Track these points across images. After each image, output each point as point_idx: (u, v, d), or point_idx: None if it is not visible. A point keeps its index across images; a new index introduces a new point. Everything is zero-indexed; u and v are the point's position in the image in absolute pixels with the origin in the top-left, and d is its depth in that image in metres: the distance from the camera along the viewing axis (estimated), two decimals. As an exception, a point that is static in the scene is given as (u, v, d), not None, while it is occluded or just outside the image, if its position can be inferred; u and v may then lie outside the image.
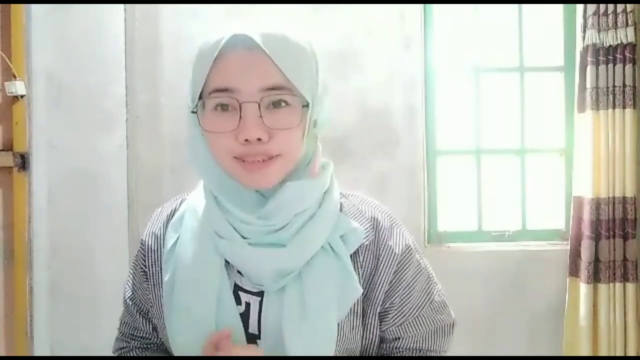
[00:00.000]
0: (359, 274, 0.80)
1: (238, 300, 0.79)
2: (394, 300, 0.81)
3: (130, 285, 0.91)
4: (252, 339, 0.78)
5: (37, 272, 2.23)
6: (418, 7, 2.42)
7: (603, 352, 2.31)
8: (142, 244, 0.89)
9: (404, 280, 0.82)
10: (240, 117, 0.71)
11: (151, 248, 0.87)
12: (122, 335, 0.95)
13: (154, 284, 0.86)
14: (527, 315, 2.42)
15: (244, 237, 0.76)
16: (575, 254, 2.37)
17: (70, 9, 2.24)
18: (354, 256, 0.80)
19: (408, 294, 0.82)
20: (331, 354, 0.77)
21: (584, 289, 2.32)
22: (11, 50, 2.18)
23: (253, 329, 0.78)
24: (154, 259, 0.86)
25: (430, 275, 0.87)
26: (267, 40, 0.71)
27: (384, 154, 2.39)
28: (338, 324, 0.77)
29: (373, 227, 0.82)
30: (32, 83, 2.23)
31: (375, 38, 2.40)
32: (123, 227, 2.27)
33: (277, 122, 0.72)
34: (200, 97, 0.74)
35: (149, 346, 0.93)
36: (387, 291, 0.81)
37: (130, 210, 2.28)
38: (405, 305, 0.82)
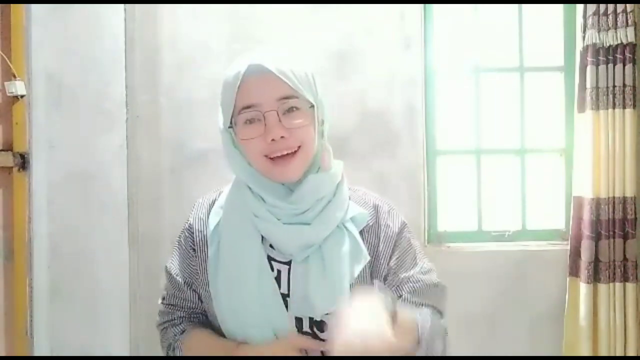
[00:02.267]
0: (365, 246, 1.01)
1: (271, 268, 0.99)
2: (392, 265, 1.02)
3: (176, 263, 1.10)
4: (283, 297, 0.98)
5: (37, 272, 2.22)
6: (418, 7, 2.42)
7: (603, 352, 2.31)
8: (189, 226, 1.08)
9: (399, 250, 1.02)
10: (265, 124, 0.94)
11: (199, 229, 1.07)
12: (168, 306, 1.12)
13: (201, 259, 1.05)
14: (527, 315, 2.41)
15: (277, 219, 0.98)
16: (575, 254, 2.37)
17: (70, 9, 2.24)
18: (361, 233, 1.01)
19: (402, 260, 1.02)
20: (344, 305, 0.90)
21: (584, 288, 2.32)
22: (11, 50, 2.18)
23: (284, 289, 0.98)
24: (201, 238, 1.06)
25: (419, 251, 1.07)
26: (275, 64, 0.94)
27: (384, 154, 2.39)
28: (350, 284, 0.97)
29: (375, 211, 1.04)
30: (32, 83, 2.23)
31: (375, 38, 2.40)
32: (123, 226, 2.27)
33: (293, 122, 0.94)
34: (231, 119, 0.96)
35: (192, 315, 1.11)
36: (388, 259, 1.01)
37: (130, 210, 2.28)
38: (400, 268, 1.02)
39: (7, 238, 2.21)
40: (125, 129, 2.27)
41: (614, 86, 2.32)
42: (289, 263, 0.99)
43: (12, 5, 2.18)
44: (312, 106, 0.97)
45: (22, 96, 2.20)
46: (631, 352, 2.32)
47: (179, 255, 1.10)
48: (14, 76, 2.19)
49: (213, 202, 1.10)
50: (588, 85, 2.33)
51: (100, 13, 2.25)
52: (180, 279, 1.09)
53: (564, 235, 2.48)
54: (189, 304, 1.10)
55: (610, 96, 2.32)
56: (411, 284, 1.01)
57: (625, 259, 2.33)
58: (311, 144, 0.97)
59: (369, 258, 1.00)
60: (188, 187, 2.34)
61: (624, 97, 2.32)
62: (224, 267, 1.01)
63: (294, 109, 0.95)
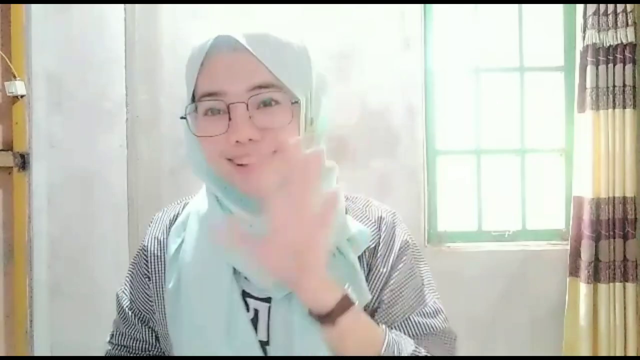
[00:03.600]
0: (365, 276, 0.78)
1: (246, 307, 0.77)
2: (384, 297, 0.78)
3: (127, 293, 0.88)
4: (261, 345, 0.76)
5: (37, 272, 2.22)
6: (418, 7, 2.42)
7: (603, 352, 2.31)
8: (144, 249, 0.86)
9: (396, 278, 0.78)
10: (230, 119, 0.70)
11: (154, 253, 0.85)
12: (115, 347, 0.91)
13: (156, 291, 0.84)
14: (527, 315, 2.41)
15: None
16: (575, 254, 2.36)
17: (70, 9, 2.24)
18: (361, 258, 0.78)
19: (398, 293, 0.78)
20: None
21: (584, 288, 2.32)
22: (11, 50, 2.18)
23: (262, 335, 0.76)
24: (157, 264, 0.84)
25: (427, 282, 0.82)
26: (251, 40, 0.70)
27: (384, 154, 2.39)
28: None
29: (378, 229, 0.80)
30: (32, 83, 2.23)
31: (375, 38, 2.40)
32: (123, 227, 2.27)
33: (268, 121, 0.70)
34: (193, 102, 0.74)
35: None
36: (379, 290, 0.78)
37: (130, 210, 2.28)
38: (395, 304, 0.78)
39: (7, 238, 2.21)
40: (125, 129, 2.27)
41: (614, 86, 2.32)
42: (268, 300, 0.76)
43: (12, 5, 2.18)
44: (297, 102, 0.72)
45: (22, 96, 2.20)
46: (631, 352, 2.32)
47: (131, 283, 0.88)
48: (14, 76, 2.19)
49: (175, 218, 0.86)
50: (588, 85, 2.33)
51: (100, 13, 2.25)
52: (131, 313, 0.87)
53: (564, 235, 2.48)
54: (141, 345, 0.89)
55: (610, 96, 2.32)
56: (405, 329, 0.77)
57: (625, 259, 2.33)
58: (293, 149, 0.72)
59: (370, 296, 0.76)
60: (188, 187, 2.32)
61: (624, 97, 2.31)
62: (185, 309, 0.78)
63: (272, 102, 0.71)
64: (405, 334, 0.77)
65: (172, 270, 0.80)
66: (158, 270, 0.84)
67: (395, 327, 0.78)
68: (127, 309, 0.88)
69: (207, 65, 0.71)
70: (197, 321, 0.76)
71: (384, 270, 0.78)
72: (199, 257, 0.78)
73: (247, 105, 0.70)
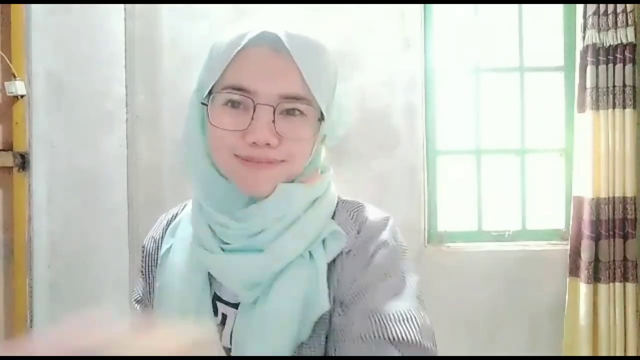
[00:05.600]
0: (334, 285, 0.71)
1: (216, 312, 0.75)
2: (345, 298, 0.69)
3: (136, 288, 0.90)
4: (226, 352, 0.73)
5: (37, 272, 2.23)
6: (418, 7, 2.42)
7: (603, 352, 2.31)
8: (142, 248, 0.88)
9: (363, 277, 0.69)
10: (253, 118, 0.67)
11: (149, 252, 0.86)
12: None
13: (149, 289, 0.85)
14: (527, 315, 2.41)
15: (226, 243, 0.72)
16: (575, 254, 2.36)
17: (70, 9, 2.24)
18: (337, 260, 0.72)
19: (360, 295, 0.68)
20: None
21: (584, 288, 2.32)
22: (11, 50, 2.18)
23: (225, 342, 0.73)
24: (151, 263, 0.85)
25: (408, 290, 0.69)
26: (295, 44, 0.67)
27: (384, 154, 2.38)
28: (301, 342, 0.69)
29: (358, 232, 0.73)
30: (32, 83, 2.23)
31: (375, 38, 2.40)
32: (123, 226, 2.27)
33: (289, 130, 0.68)
34: (210, 92, 0.70)
35: None
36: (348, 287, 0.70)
37: (130, 209, 2.28)
38: (354, 305, 0.68)
39: (7, 238, 2.21)
40: (125, 128, 2.27)
41: (614, 86, 2.31)
42: (237, 306, 0.73)
43: (12, 5, 2.18)
44: (321, 118, 0.70)
45: (22, 96, 2.20)
46: (631, 352, 2.32)
47: (138, 280, 0.90)
48: (14, 76, 2.19)
49: (172, 219, 0.87)
50: (588, 85, 2.33)
51: (100, 13, 2.25)
52: (137, 306, 0.89)
53: (564, 235, 2.48)
54: None
55: (610, 96, 2.32)
56: (361, 330, 0.65)
57: (625, 258, 2.33)
58: (301, 161, 0.72)
59: (327, 307, 0.69)
60: (188, 187, 2.33)
61: (624, 97, 2.31)
62: (165, 307, 0.77)
63: (298, 113, 0.69)
64: (357, 337, 0.65)
65: (162, 270, 0.80)
66: (151, 269, 0.85)
67: (348, 330, 0.67)
68: (134, 301, 0.90)
69: (243, 58, 0.68)
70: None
71: (356, 273, 0.70)
72: (180, 261, 0.77)
73: (275, 110, 0.67)
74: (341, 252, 0.72)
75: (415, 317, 0.65)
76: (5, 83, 2.18)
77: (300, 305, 0.68)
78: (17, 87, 2.18)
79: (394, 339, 0.63)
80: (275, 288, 0.69)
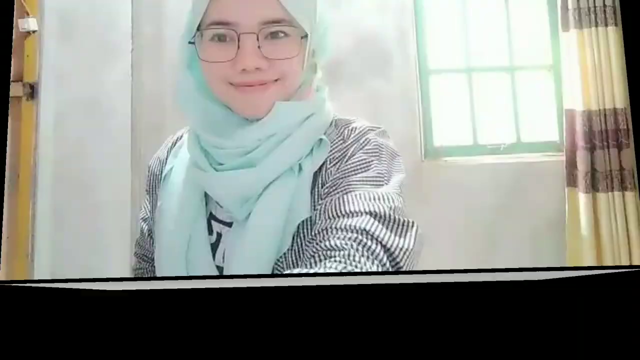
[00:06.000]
0: (318, 191, 0.74)
1: (210, 230, 0.77)
2: (322, 191, 0.73)
3: (143, 206, 0.91)
4: (219, 271, 0.75)
5: (41, 198, 2.27)
6: None
7: (607, 261, 2.27)
8: (148, 167, 0.91)
9: (341, 169, 0.73)
10: (239, 47, 0.72)
11: (153, 172, 0.89)
12: (135, 255, 0.93)
13: (152, 208, 0.87)
14: (527, 225, 2.39)
15: (220, 164, 0.75)
16: (571, 165, 2.37)
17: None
18: (322, 168, 0.75)
19: (336, 183, 0.72)
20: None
21: (582, 198, 2.32)
22: (24, -15, 2.33)
23: (219, 260, 0.75)
24: (154, 183, 0.88)
25: (384, 184, 0.71)
26: None
27: (377, 74, 2.46)
28: (284, 253, 0.71)
29: (345, 139, 0.77)
30: (44, 19, 2.36)
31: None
32: (126, 151, 2.33)
33: (276, 52, 0.73)
34: (198, 29, 0.75)
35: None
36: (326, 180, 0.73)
37: (133, 135, 2.35)
38: (342, 179, 0.72)
39: (14, 163, 2.27)
40: (130, 59, 2.39)
41: (595, 6, 2.41)
42: (232, 225, 0.76)
43: (25, -57, 2.35)
44: (306, 36, 0.74)
45: (34, 31, 2.33)
46: (636, 259, 2.27)
47: (145, 198, 0.91)
48: (27, 14, 2.33)
49: (177, 140, 0.90)
50: (570, 6, 2.43)
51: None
52: (144, 226, 0.90)
53: (558, 147, 2.49)
54: (150, 255, 0.88)
55: (592, 15, 2.41)
56: (349, 190, 0.70)
57: (622, 168, 2.34)
58: (294, 79, 0.76)
59: (306, 215, 0.72)
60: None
61: (605, 15, 2.41)
62: (160, 228, 0.80)
63: (281, 34, 0.74)
64: (326, 216, 0.68)
65: (163, 190, 0.83)
66: (154, 188, 0.87)
67: (320, 213, 0.70)
68: (140, 220, 0.91)
69: None
70: (166, 242, 0.78)
71: (337, 171, 0.74)
72: (179, 182, 0.80)
73: (258, 36, 0.72)
74: (326, 160, 0.76)
75: (391, 198, 0.68)
76: (19, 20, 2.31)
77: (285, 217, 0.72)
78: (30, 23, 2.31)
79: (364, 211, 0.66)
80: (260, 201, 0.73)
